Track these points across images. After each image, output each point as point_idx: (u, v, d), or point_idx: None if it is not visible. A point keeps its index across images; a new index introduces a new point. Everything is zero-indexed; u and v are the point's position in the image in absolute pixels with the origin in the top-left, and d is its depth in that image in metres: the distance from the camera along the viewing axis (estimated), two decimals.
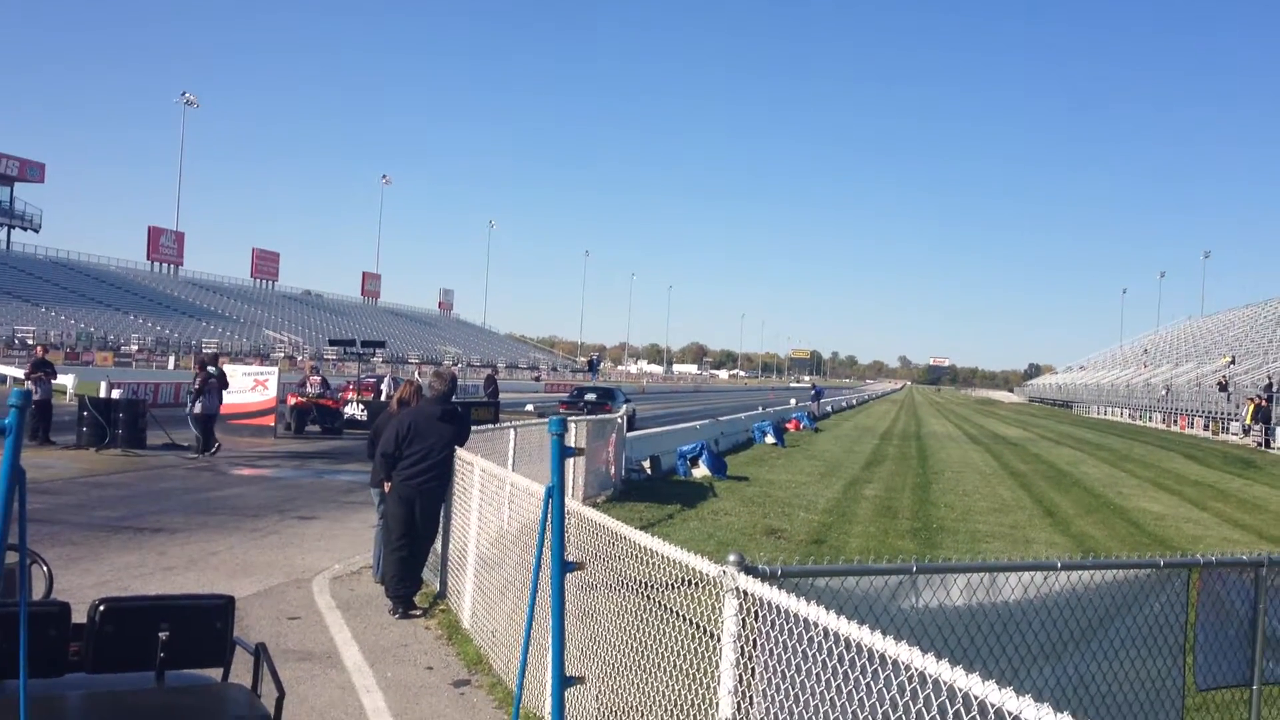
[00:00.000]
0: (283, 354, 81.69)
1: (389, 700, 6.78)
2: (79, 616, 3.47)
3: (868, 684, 3.15)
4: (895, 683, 3.01)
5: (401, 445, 9.10)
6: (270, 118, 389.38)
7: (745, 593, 3.79)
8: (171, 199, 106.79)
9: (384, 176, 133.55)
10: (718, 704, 3.87)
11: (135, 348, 72.30)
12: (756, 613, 3.74)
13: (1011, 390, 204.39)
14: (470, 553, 8.54)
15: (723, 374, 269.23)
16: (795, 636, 3.52)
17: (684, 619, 4.65)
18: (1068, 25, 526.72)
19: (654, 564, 4.77)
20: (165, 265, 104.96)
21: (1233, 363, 69.63)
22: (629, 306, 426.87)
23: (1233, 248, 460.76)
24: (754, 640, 3.76)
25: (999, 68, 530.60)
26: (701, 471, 21.18)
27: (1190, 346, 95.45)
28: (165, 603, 3.74)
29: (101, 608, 3.44)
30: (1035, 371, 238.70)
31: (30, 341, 34.07)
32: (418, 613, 9.06)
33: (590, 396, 35.31)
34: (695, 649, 4.42)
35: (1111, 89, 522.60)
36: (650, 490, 18.30)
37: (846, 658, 3.24)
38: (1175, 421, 62.92)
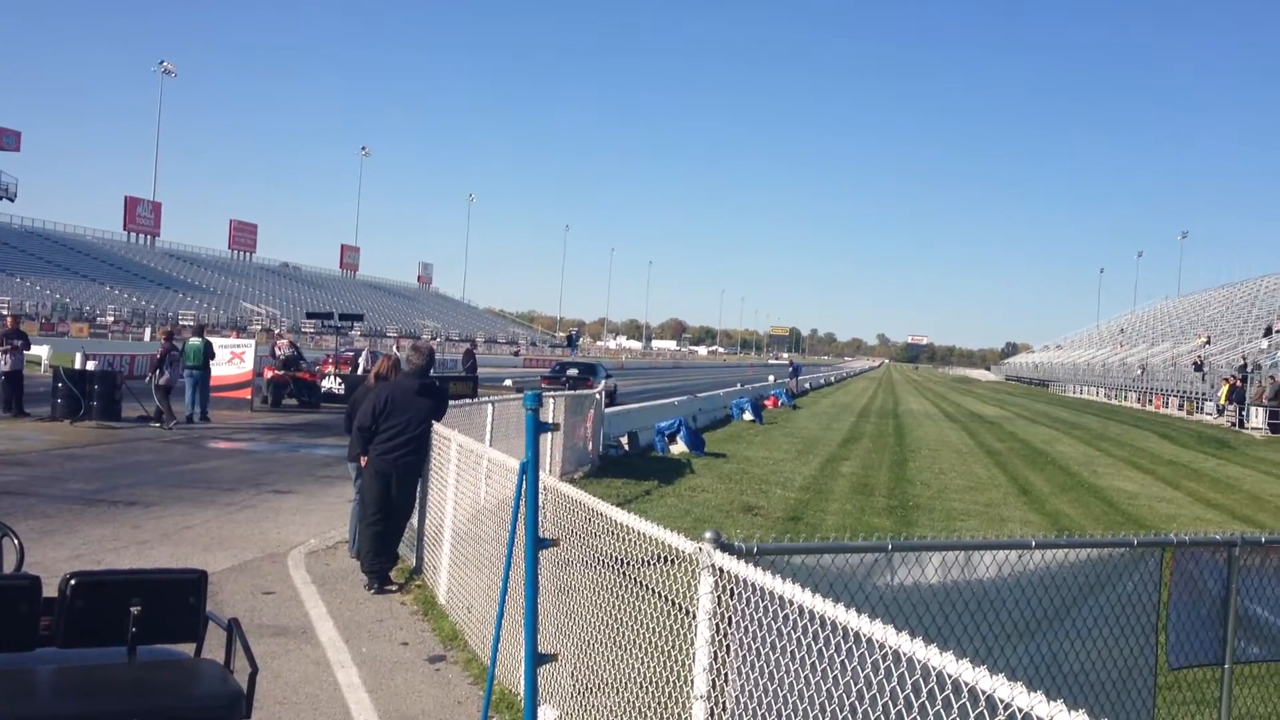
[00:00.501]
0: (260, 326, 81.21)
1: (363, 676, 6.76)
2: (50, 590, 3.43)
3: (842, 661, 3.15)
4: (870, 660, 3.02)
5: (378, 419, 9.04)
6: (249, 88, 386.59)
7: (721, 570, 3.78)
8: (149, 169, 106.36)
9: (363, 148, 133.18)
10: (693, 681, 3.87)
11: (111, 319, 71.85)
12: (732, 590, 3.73)
13: (989, 369, 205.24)
14: (446, 528, 8.52)
15: (702, 350, 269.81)
16: (771, 614, 3.52)
17: (660, 596, 4.64)
18: (1042, 5, 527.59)
19: (630, 541, 4.75)
20: (142, 236, 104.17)
21: (1208, 343, 70.15)
22: (609, 282, 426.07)
23: (1210, 229, 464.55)
24: (729, 618, 3.76)
25: (976, 47, 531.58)
26: (679, 448, 21.22)
27: (1166, 326, 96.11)
28: (138, 577, 3.69)
29: (73, 582, 3.40)
30: (1013, 350, 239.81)
31: (4, 312, 33.59)
32: (393, 588, 9.03)
33: (573, 372, 35.26)
34: (671, 626, 4.41)
35: (1090, 70, 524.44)
36: (628, 466, 18.30)
37: (822, 635, 3.24)
38: (1150, 401, 63.35)
